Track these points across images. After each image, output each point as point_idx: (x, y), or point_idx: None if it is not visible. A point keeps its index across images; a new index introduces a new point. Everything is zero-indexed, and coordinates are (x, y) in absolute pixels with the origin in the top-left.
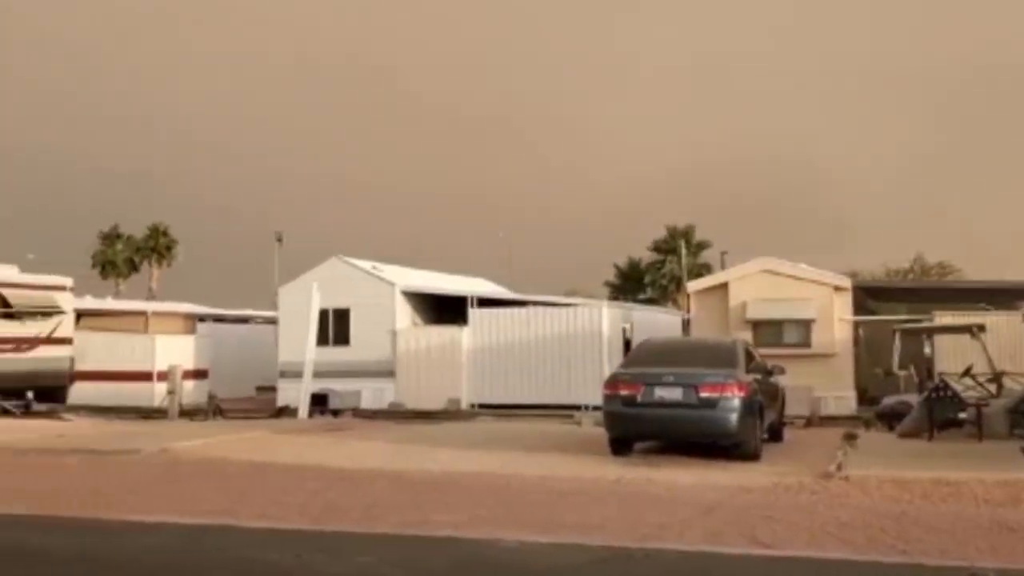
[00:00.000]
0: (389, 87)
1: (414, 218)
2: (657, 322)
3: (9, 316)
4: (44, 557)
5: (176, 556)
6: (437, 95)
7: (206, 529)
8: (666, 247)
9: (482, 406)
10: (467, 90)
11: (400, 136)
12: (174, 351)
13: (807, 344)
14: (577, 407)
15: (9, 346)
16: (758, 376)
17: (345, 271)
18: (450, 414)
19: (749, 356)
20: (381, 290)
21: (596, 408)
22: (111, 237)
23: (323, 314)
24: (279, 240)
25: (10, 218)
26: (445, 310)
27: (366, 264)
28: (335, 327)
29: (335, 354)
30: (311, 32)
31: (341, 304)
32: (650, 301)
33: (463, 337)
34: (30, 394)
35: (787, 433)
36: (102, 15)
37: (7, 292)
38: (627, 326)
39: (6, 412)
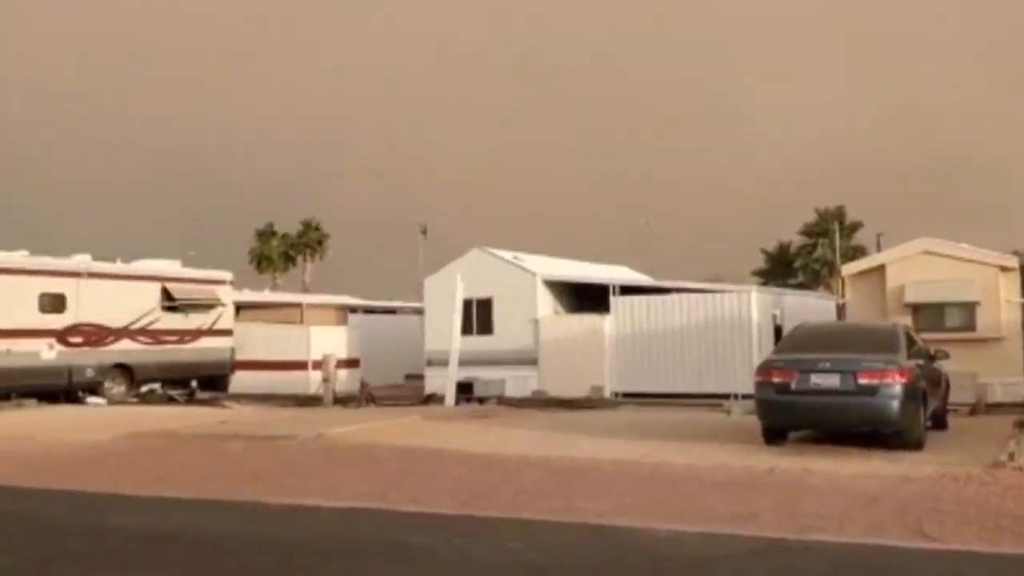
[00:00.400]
0: (530, 75)
1: (556, 207)
2: (809, 307)
3: (173, 309)
4: (207, 538)
5: (332, 538)
6: (579, 82)
7: (360, 512)
8: (816, 230)
9: (626, 395)
10: (610, 77)
11: (542, 126)
12: (328, 341)
13: (971, 327)
14: (723, 396)
15: (174, 338)
16: (920, 361)
17: (487, 261)
18: (593, 402)
19: (910, 340)
20: (523, 280)
21: (746, 396)
22: (267, 234)
23: (467, 304)
24: (423, 232)
25: (175, 218)
26: (586, 298)
27: (507, 254)
28: (479, 316)
29: (479, 343)
30: (454, 24)
31: (484, 294)
32: (800, 286)
33: (605, 325)
34: (194, 383)
35: (951, 421)
36: (258, 17)
37: (171, 286)
38: (777, 312)
39: (172, 400)
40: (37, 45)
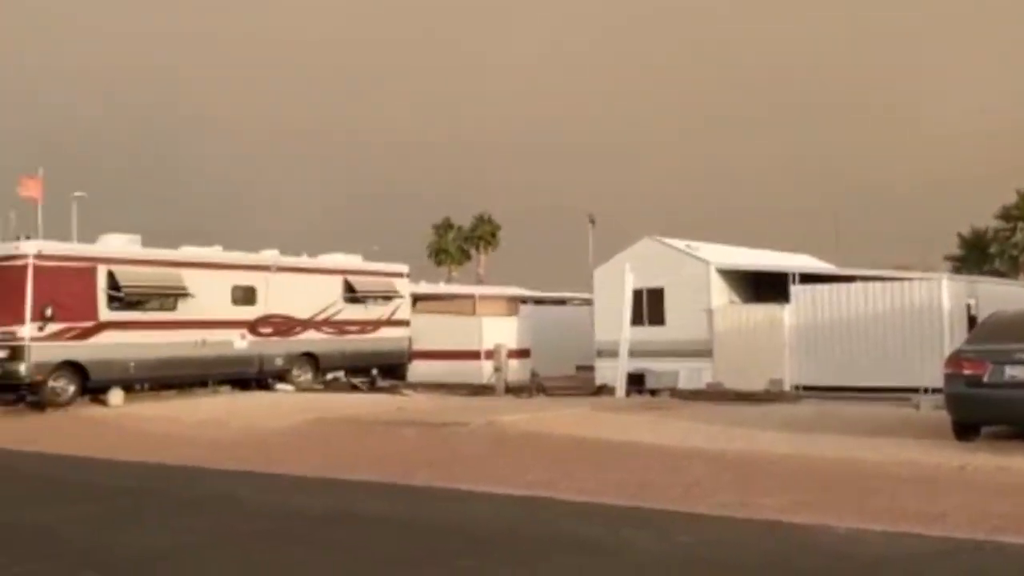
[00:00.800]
0: (697, 62)
1: (730, 194)
2: (1008, 296)
3: (355, 301)
4: (381, 521)
5: (498, 526)
6: (755, 63)
7: (527, 501)
8: (1016, 214)
9: (806, 388)
10: (790, 64)
11: (717, 111)
12: (499, 331)
13: None
14: (911, 390)
15: (356, 328)
16: None
17: (658, 250)
18: (771, 396)
19: None
20: (696, 269)
21: (935, 390)
22: (443, 228)
23: (637, 294)
24: (592, 222)
25: (359, 214)
26: (764, 288)
27: (680, 243)
28: (649, 307)
29: (650, 334)
30: (622, 17)
31: (655, 284)
32: (997, 274)
33: (784, 315)
34: (375, 371)
35: None
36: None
37: (353, 279)
38: (972, 301)
39: (355, 387)
40: (248, 49)
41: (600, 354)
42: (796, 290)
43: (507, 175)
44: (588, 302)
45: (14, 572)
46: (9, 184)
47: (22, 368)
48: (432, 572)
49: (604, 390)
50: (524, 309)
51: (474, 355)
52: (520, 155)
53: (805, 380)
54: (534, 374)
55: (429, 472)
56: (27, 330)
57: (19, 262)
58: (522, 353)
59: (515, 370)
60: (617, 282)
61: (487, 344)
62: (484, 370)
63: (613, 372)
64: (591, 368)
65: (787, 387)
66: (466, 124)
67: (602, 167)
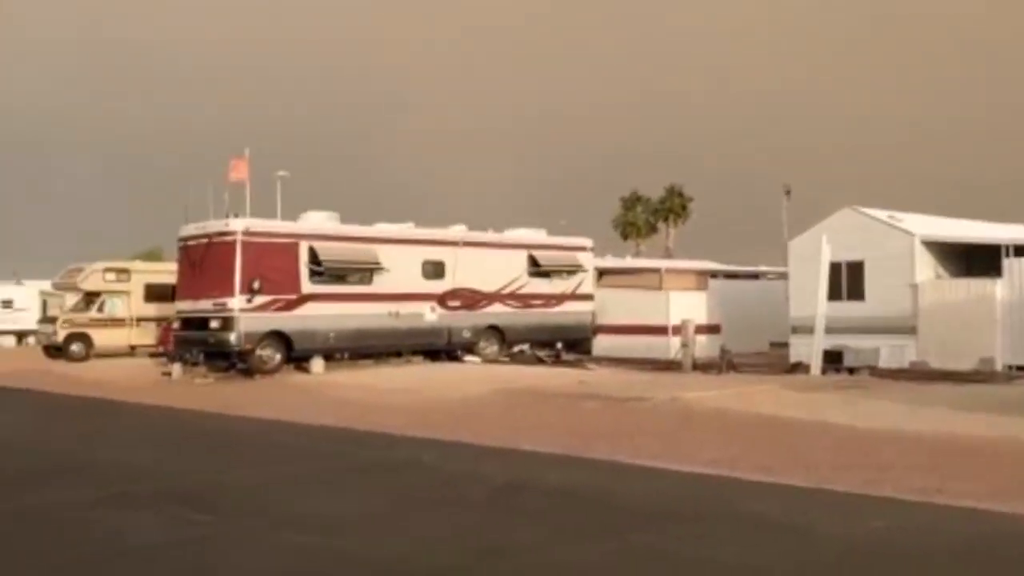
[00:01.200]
0: (901, 29)
1: (934, 163)
2: None
3: (540, 275)
4: (559, 492)
5: (679, 502)
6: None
7: (707, 478)
8: None
9: (1019, 368)
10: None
11: (922, 75)
12: (687, 306)
13: None
14: None
15: (540, 302)
16: None
17: (858, 221)
18: (982, 376)
19: None
20: (899, 241)
21: None
22: (631, 201)
23: (835, 267)
24: (787, 193)
25: (546, 189)
26: (974, 261)
27: (881, 213)
28: (848, 281)
29: (849, 309)
30: None
31: (854, 256)
32: None
33: (996, 290)
34: (559, 345)
35: None
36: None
37: (537, 253)
38: None
39: (540, 360)
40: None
41: (795, 330)
42: (1010, 263)
43: (699, 147)
44: (783, 276)
45: (218, 528)
46: (220, 166)
47: (233, 337)
48: (607, 545)
49: (798, 368)
50: (714, 283)
51: (661, 330)
52: (713, 125)
53: (1020, 360)
54: (724, 350)
55: (609, 446)
56: (237, 302)
57: (229, 238)
58: (711, 329)
59: (703, 346)
60: (813, 255)
61: (674, 319)
62: (671, 346)
63: (808, 349)
64: (785, 345)
65: (999, 367)
66: (656, 96)
67: (798, 136)
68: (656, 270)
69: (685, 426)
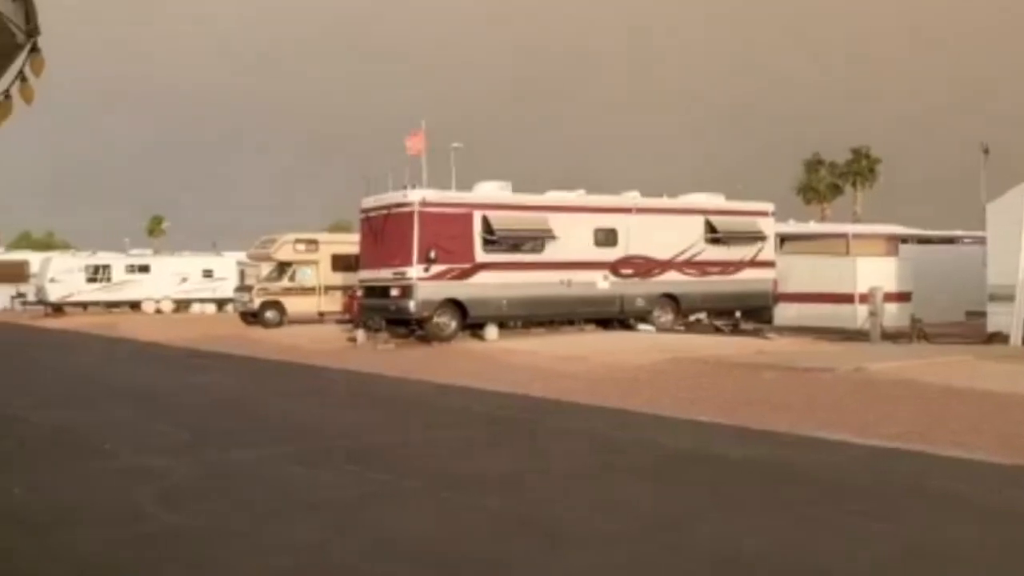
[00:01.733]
0: None
1: None
2: None
3: (716, 241)
4: (733, 463)
5: (861, 477)
6: None
7: (892, 452)
8: None
9: None
10: None
11: None
12: (875, 273)
13: None
14: None
15: (717, 269)
16: None
17: None
18: None
19: None
20: None
21: None
22: (813, 164)
23: None
24: (985, 152)
25: (723, 152)
26: None
27: None
28: None
29: None
30: None
31: None
32: None
33: None
34: (738, 313)
35: None
36: None
37: (714, 219)
38: None
39: (718, 330)
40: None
41: (993, 298)
42: None
43: (887, 105)
44: (980, 241)
45: (369, 487)
46: (400, 139)
47: (411, 305)
48: (781, 519)
49: (997, 338)
50: (904, 249)
51: (847, 298)
52: (902, 83)
53: None
54: (915, 320)
55: (789, 417)
56: (415, 271)
57: (406, 209)
58: (901, 297)
59: (892, 315)
60: (1014, 219)
61: (861, 287)
62: (857, 314)
63: (1008, 318)
64: (983, 315)
65: None
66: (838, 54)
67: (994, 91)
68: (842, 235)
69: (871, 398)
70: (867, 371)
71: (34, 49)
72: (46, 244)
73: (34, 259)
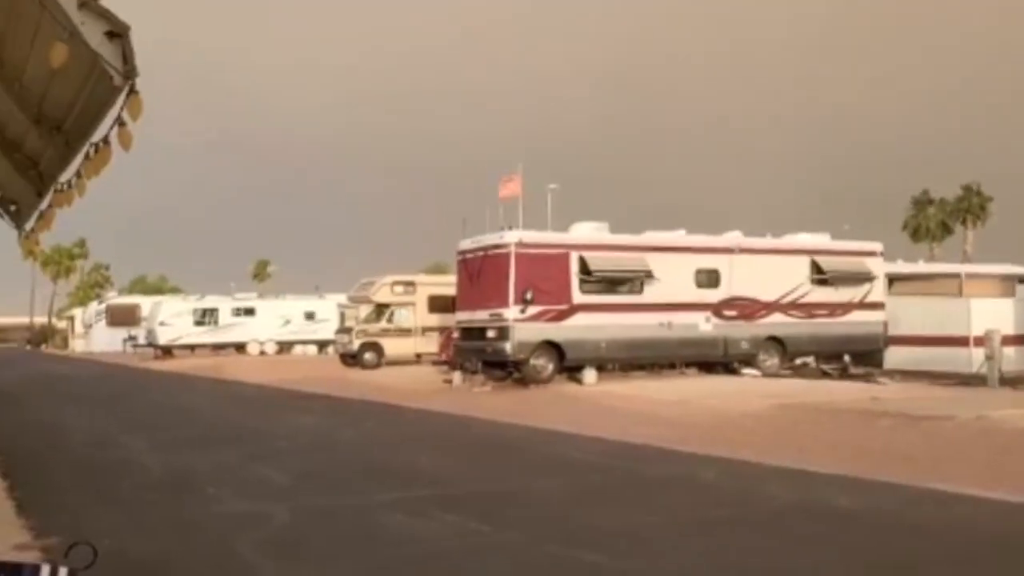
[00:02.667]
0: None
1: None
2: None
3: (823, 282)
4: (850, 517)
5: (993, 537)
6: None
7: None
8: None
9: None
10: None
11: None
12: (991, 315)
13: None
14: None
15: (824, 311)
16: None
17: None
18: None
19: None
20: None
21: None
22: (922, 202)
23: None
24: None
25: (827, 191)
26: None
27: None
28: None
29: None
30: None
31: None
32: None
33: None
34: (846, 357)
35: None
36: None
37: (820, 259)
38: None
39: (825, 374)
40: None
41: None
42: None
43: (999, 139)
44: None
45: (471, 538)
46: (497, 181)
47: (508, 347)
48: None
49: None
50: (1022, 290)
51: (961, 341)
52: (1014, 119)
53: None
54: None
55: (909, 468)
56: (511, 312)
57: (503, 250)
58: (1019, 340)
59: (1011, 359)
60: None
61: (976, 329)
62: (973, 358)
63: None
64: None
65: None
66: (948, 92)
67: None
68: (955, 275)
69: (995, 447)
70: (989, 419)
71: (132, 91)
72: (158, 288)
73: (145, 303)
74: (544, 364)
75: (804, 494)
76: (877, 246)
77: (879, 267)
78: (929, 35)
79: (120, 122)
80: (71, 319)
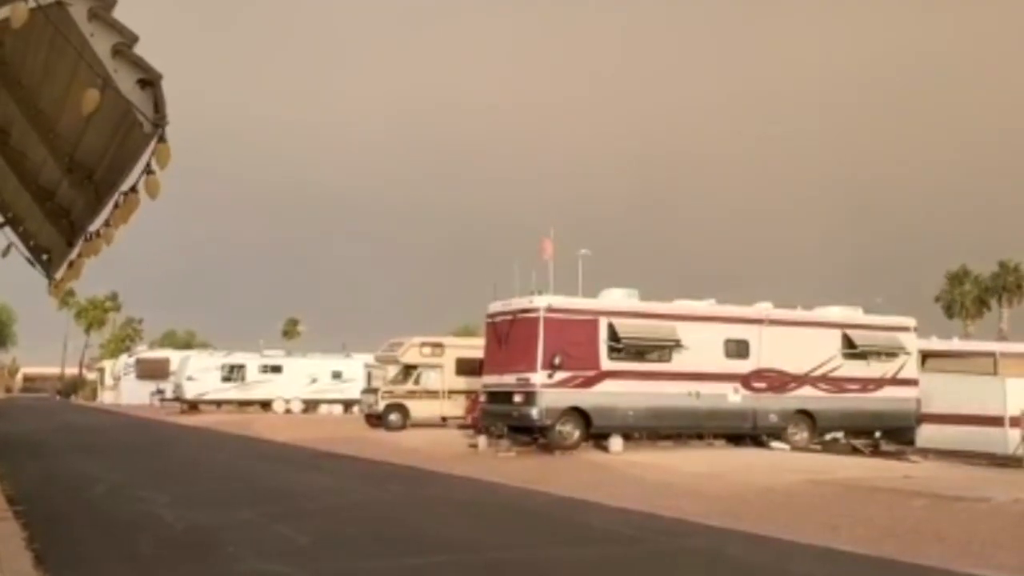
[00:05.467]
0: None
1: None
2: None
3: (855, 356)
4: None
5: None
6: None
7: None
8: None
9: None
10: None
11: None
12: None
13: None
14: None
15: (856, 386)
16: None
17: None
18: None
19: None
20: None
21: None
22: (958, 277)
23: None
24: None
25: (858, 265)
26: None
27: None
28: None
29: None
30: None
31: None
32: None
33: None
34: (878, 434)
35: None
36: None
37: (852, 333)
38: None
39: (856, 450)
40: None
41: None
42: None
43: None
44: None
45: None
46: (525, 245)
47: (534, 412)
48: None
49: None
50: None
51: (996, 421)
52: None
53: None
54: None
55: (942, 550)
56: (539, 377)
57: (532, 315)
58: None
59: None
60: None
61: (1012, 409)
62: (1009, 439)
63: None
64: None
65: None
66: (977, 161)
67: None
68: (990, 353)
69: None
70: None
71: (161, 139)
72: (187, 343)
73: (175, 357)
74: (570, 431)
75: (833, 573)
76: (911, 321)
77: (912, 343)
78: (960, 109)
79: (148, 170)
80: (101, 371)
